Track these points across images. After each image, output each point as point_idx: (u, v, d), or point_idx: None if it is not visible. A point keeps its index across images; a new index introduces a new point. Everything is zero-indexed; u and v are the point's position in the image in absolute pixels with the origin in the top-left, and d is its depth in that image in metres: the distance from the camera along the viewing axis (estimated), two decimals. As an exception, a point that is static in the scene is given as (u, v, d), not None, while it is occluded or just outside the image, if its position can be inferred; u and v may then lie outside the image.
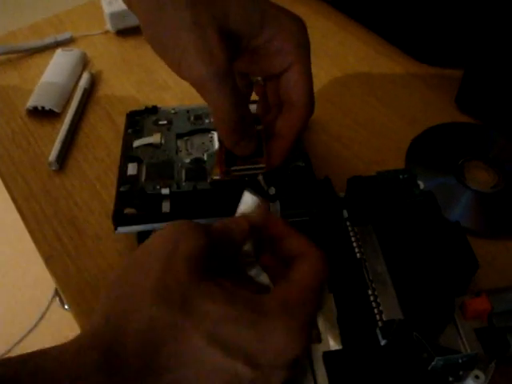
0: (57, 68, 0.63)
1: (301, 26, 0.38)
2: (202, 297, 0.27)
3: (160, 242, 0.30)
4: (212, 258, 0.30)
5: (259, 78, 0.43)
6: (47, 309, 1.28)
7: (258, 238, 0.34)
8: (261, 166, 0.39)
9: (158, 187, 0.45)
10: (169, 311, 0.27)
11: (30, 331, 1.23)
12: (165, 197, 0.44)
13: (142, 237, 0.44)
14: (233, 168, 0.38)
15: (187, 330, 0.27)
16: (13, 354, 1.19)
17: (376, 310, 0.35)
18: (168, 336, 0.26)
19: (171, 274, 0.28)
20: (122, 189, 0.46)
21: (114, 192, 0.46)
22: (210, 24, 0.34)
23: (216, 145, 0.50)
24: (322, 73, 0.63)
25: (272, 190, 0.41)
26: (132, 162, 0.48)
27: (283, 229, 0.34)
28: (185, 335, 0.27)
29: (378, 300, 0.35)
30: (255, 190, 0.36)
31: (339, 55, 0.65)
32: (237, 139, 0.37)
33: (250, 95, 0.44)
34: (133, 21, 0.67)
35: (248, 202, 0.35)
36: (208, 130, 0.51)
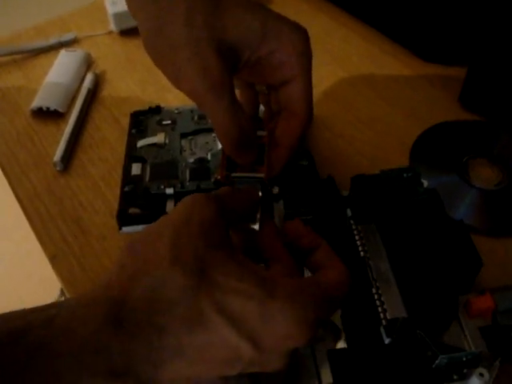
0: (61, 68, 0.63)
1: (303, 36, 0.38)
2: (214, 266, 0.28)
3: (177, 211, 0.30)
4: (226, 224, 0.31)
5: (264, 87, 0.43)
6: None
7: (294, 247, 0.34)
8: (260, 174, 0.39)
9: (162, 187, 0.45)
10: (182, 274, 0.27)
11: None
12: (169, 196, 0.44)
13: (146, 236, 0.45)
14: (233, 174, 0.39)
15: (197, 295, 0.27)
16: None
17: (380, 309, 0.35)
18: (178, 298, 0.27)
19: (185, 239, 0.28)
20: (126, 189, 0.46)
21: (118, 192, 0.47)
22: (206, 41, 0.34)
23: (220, 144, 0.50)
24: (325, 71, 0.62)
25: (275, 190, 0.41)
26: (136, 161, 0.48)
27: (316, 239, 0.34)
28: (194, 300, 0.27)
29: (382, 298, 0.35)
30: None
31: (342, 53, 0.65)
32: (237, 150, 0.38)
33: (258, 105, 0.44)
34: (136, 21, 0.67)
35: None
36: (212, 130, 0.51)
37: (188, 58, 0.34)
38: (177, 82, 0.36)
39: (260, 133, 0.40)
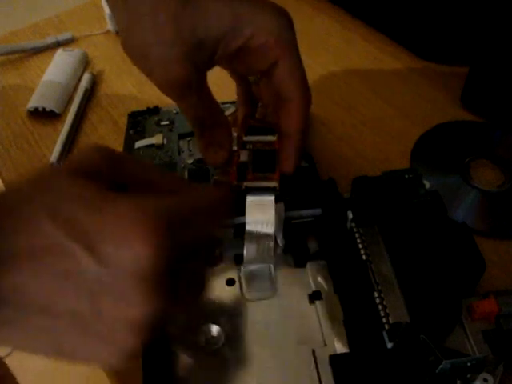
0: (58, 68, 0.63)
1: (282, 18, 0.37)
2: (57, 176, 0.27)
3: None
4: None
5: (254, 78, 0.42)
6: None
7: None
8: (273, 184, 0.38)
9: (160, 189, 0.44)
10: (23, 183, 0.26)
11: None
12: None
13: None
14: (245, 184, 0.38)
15: (31, 200, 0.25)
16: (14, 357, 1.18)
17: (382, 313, 0.35)
18: (12, 202, 0.25)
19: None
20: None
21: (115, 194, 0.46)
22: (171, 41, 0.35)
23: None
24: (325, 71, 0.62)
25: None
26: (134, 163, 0.48)
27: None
28: (28, 204, 0.25)
29: (385, 302, 0.35)
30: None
31: (343, 53, 0.64)
32: (203, 144, 0.38)
33: (255, 98, 0.44)
34: (134, 20, 0.66)
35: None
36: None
37: (156, 58, 0.35)
38: (150, 76, 0.37)
39: (269, 138, 0.39)
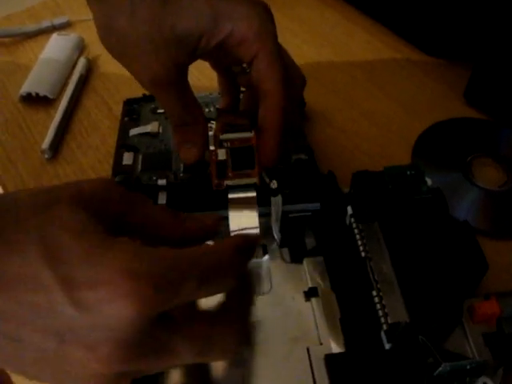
0: (52, 53, 0.61)
1: (260, 12, 0.37)
2: (60, 201, 0.24)
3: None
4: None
5: (239, 68, 0.42)
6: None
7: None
8: (253, 180, 0.38)
9: (155, 178, 0.44)
10: (22, 200, 0.25)
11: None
12: (161, 188, 0.43)
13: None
14: (226, 182, 0.38)
15: (23, 222, 0.23)
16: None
17: (381, 312, 0.34)
18: (3, 222, 0.23)
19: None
20: (116, 179, 0.44)
21: (108, 182, 0.45)
22: (150, 37, 0.35)
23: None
24: (328, 63, 0.60)
25: (274, 184, 0.40)
26: (128, 151, 0.47)
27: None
28: (19, 227, 0.23)
29: (383, 302, 0.34)
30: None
31: (345, 46, 0.63)
32: (177, 140, 0.39)
33: (238, 88, 0.44)
34: (132, 6, 0.65)
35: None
36: (207, 120, 0.49)
37: (135, 55, 0.35)
38: (131, 72, 0.37)
39: (245, 134, 0.38)
